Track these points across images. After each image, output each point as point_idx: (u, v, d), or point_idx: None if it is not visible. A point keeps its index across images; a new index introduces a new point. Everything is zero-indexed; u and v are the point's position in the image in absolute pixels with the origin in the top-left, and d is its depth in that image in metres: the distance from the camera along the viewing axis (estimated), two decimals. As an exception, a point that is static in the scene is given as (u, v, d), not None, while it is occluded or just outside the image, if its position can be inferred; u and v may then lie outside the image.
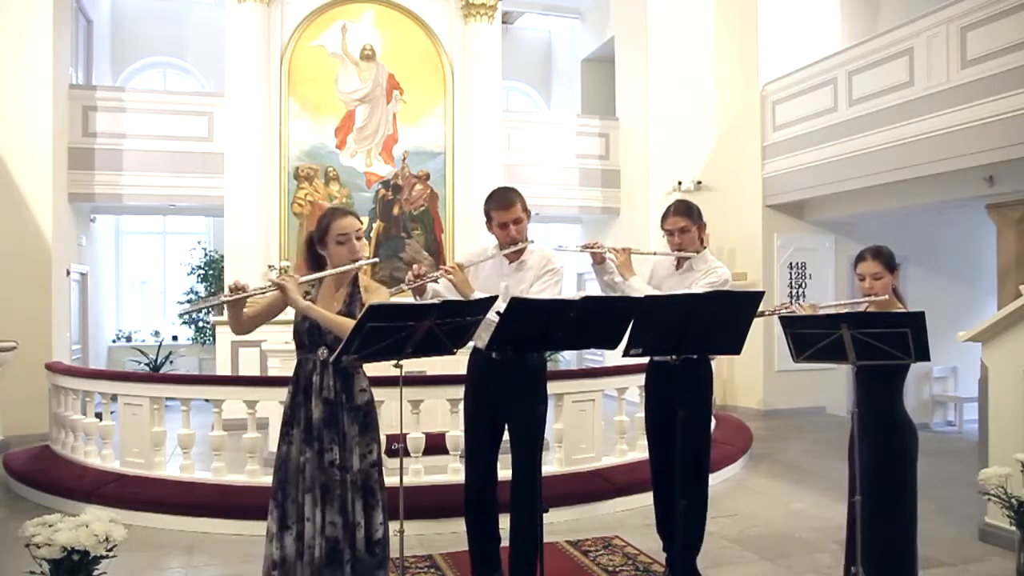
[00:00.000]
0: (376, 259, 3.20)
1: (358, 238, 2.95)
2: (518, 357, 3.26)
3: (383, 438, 3.13)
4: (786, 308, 3.52)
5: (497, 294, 3.23)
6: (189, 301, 11.41)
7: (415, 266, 3.33)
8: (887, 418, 3.16)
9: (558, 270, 3.49)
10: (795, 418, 9.21)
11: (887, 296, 3.22)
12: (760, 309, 3.26)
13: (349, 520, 2.81)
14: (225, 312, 3.04)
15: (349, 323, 2.77)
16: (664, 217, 3.75)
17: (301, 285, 2.87)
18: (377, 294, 2.98)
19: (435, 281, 3.41)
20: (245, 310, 2.98)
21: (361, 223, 3.00)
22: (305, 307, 2.83)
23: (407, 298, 3.46)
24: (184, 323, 11.62)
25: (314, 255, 3.02)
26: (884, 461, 3.13)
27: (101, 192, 9.35)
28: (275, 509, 2.88)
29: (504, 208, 3.41)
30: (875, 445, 3.14)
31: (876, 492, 3.11)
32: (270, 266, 8.98)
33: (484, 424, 3.48)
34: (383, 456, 2.98)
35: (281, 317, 3.08)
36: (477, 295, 3.32)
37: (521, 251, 3.49)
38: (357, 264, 2.94)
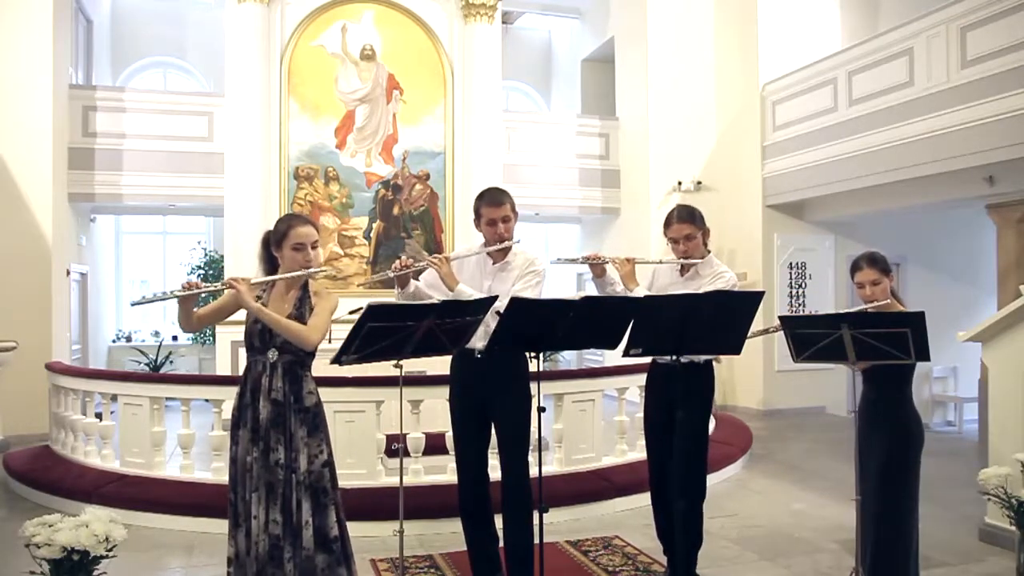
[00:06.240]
0: (326, 268, 3.24)
1: (313, 247, 3.02)
2: (502, 356, 3.25)
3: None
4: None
5: (497, 294, 3.23)
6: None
7: (402, 256, 3.34)
8: (896, 418, 3.16)
9: (540, 271, 3.49)
10: (795, 418, 9.21)
11: (888, 299, 3.24)
12: (764, 328, 3.23)
13: (292, 519, 2.86)
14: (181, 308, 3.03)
15: (298, 327, 2.88)
16: (667, 224, 3.63)
17: (253, 287, 2.94)
18: (327, 299, 3.05)
19: (420, 272, 3.42)
20: (197, 310, 3.04)
21: (318, 235, 3.09)
22: (256, 309, 2.89)
23: (390, 297, 3.48)
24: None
25: (268, 255, 3.10)
26: (890, 461, 3.13)
27: (101, 192, 9.36)
28: (229, 507, 2.97)
29: (494, 205, 3.42)
30: (881, 445, 3.14)
31: (880, 491, 3.11)
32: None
33: (472, 425, 3.48)
34: (333, 456, 3.03)
35: None
36: (461, 288, 3.33)
37: (506, 251, 3.49)
38: (310, 271, 3.01)
